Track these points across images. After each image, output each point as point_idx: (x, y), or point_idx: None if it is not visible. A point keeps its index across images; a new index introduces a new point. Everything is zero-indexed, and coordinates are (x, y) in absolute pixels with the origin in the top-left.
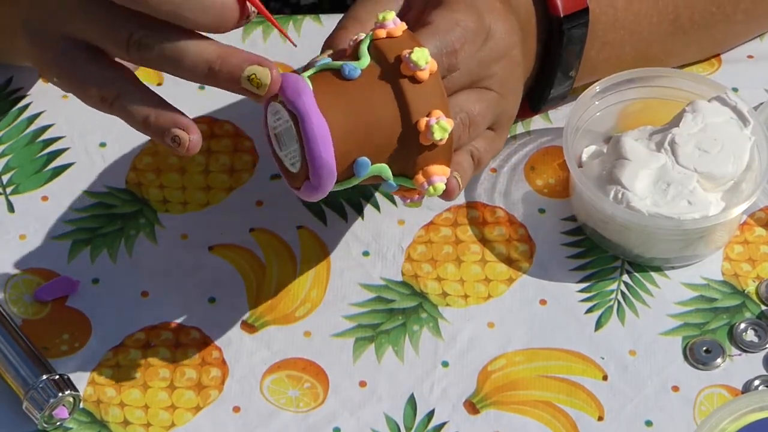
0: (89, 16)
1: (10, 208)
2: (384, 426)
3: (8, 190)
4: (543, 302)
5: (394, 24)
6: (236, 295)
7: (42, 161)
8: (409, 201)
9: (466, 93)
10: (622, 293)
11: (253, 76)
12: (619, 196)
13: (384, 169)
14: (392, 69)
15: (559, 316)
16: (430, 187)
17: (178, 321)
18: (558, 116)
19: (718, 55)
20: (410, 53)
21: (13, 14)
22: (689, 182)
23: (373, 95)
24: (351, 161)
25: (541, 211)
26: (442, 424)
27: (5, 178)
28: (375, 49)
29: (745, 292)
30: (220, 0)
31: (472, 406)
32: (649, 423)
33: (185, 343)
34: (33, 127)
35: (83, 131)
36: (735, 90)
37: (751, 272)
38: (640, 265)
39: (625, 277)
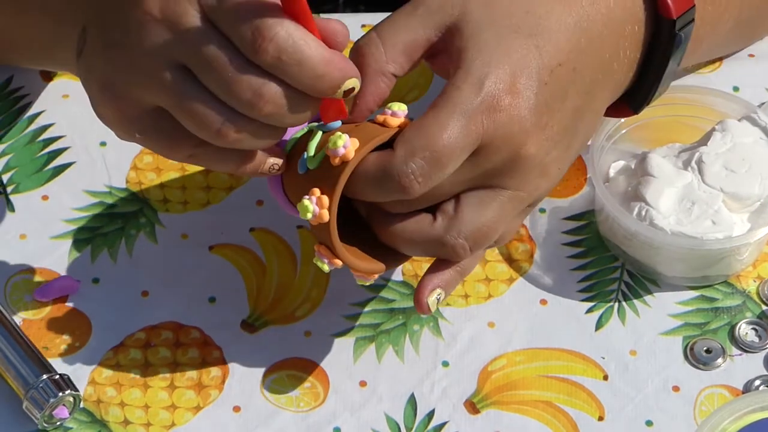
0: (176, 95)
1: (11, 207)
2: (384, 426)
3: (8, 189)
4: (543, 302)
5: (402, 115)
6: (236, 295)
7: (42, 161)
8: (320, 257)
9: (470, 200)
10: (623, 293)
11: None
12: (643, 213)
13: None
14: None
15: (560, 316)
16: (304, 202)
17: (178, 321)
18: None
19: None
20: (334, 138)
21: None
22: (714, 202)
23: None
24: None
25: (542, 211)
26: (443, 424)
27: (5, 177)
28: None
29: (746, 292)
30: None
31: (472, 406)
32: (649, 423)
33: (185, 343)
34: (33, 126)
35: (83, 131)
36: (736, 89)
37: (752, 272)
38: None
39: (626, 277)
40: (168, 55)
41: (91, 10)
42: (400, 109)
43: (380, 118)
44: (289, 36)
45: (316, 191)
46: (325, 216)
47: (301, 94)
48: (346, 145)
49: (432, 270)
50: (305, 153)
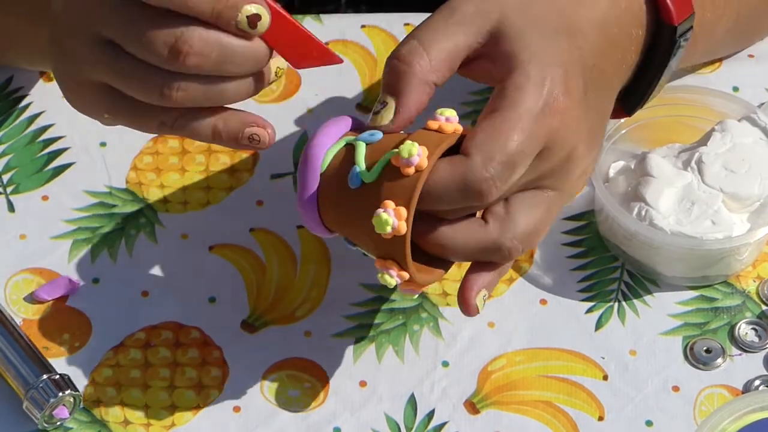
0: (115, 70)
1: (11, 207)
2: (384, 426)
3: (8, 189)
4: (543, 302)
5: (454, 120)
6: (236, 295)
7: (42, 161)
8: (384, 270)
9: (520, 200)
10: (623, 293)
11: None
12: (643, 213)
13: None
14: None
15: (560, 316)
16: (378, 276)
17: (178, 321)
18: None
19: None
20: (401, 149)
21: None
22: (714, 202)
23: (360, 204)
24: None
25: None
26: (443, 424)
27: (5, 177)
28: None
29: (746, 292)
30: (253, 48)
31: (472, 406)
32: (649, 423)
33: (185, 343)
34: (33, 126)
35: (83, 131)
36: (735, 89)
37: (752, 272)
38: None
39: (626, 277)
40: (93, 32)
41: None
42: (452, 114)
43: (434, 124)
44: None
45: (390, 203)
46: (403, 228)
47: (226, 37)
48: (419, 153)
49: (474, 270)
50: (355, 167)
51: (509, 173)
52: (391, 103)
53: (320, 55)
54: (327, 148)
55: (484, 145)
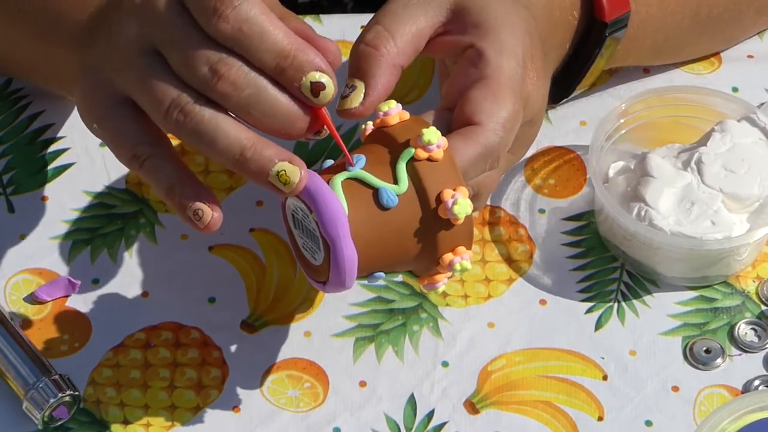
0: (141, 72)
1: (10, 208)
2: (384, 426)
3: (8, 190)
4: (543, 302)
5: (396, 110)
6: (236, 295)
7: (42, 161)
8: (432, 287)
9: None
10: (622, 293)
11: (283, 172)
12: (642, 213)
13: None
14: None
15: (559, 316)
16: (457, 264)
17: (178, 321)
18: (557, 116)
19: (718, 53)
20: (420, 136)
21: (75, 61)
22: (714, 202)
23: (404, 218)
24: (370, 273)
25: (541, 211)
26: (443, 424)
27: (5, 178)
28: (388, 135)
29: (745, 292)
30: (287, 106)
31: (472, 406)
32: (649, 423)
33: (185, 343)
34: (33, 126)
35: (83, 131)
36: (735, 90)
37: (751, 272)
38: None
39: (625, 277)
40: (141, 39)
41: (80, 30)
42: (391, 106)
43: (377, 122)
44: (253, 7)
45: (449, 192)
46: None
47: (266, 82)
48: (441, 141)
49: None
50: (382, 189)
51: (512, 135)
52: (360, 87)
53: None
54: (335, 199)
55: (493, 113)
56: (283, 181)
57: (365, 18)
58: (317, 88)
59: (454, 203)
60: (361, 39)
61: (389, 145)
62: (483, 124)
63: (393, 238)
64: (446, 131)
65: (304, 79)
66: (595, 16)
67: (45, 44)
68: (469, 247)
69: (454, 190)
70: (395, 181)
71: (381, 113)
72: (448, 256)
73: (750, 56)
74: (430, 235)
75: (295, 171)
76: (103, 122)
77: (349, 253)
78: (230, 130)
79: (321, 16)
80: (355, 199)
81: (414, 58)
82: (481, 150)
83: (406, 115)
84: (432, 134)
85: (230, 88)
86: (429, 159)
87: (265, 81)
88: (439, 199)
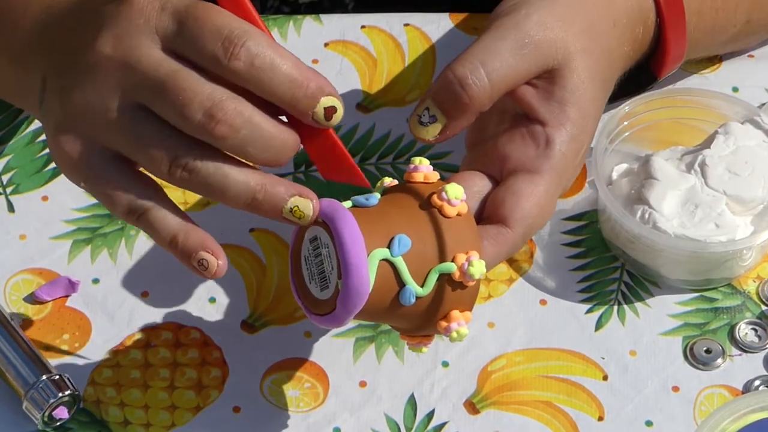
0: (132, 131)
1: (10, 208)
2: (384, 426)
3: (8, 190)
4: (543, 302)
5: (427, 169)
6: (236, 295)
7: (42, 161)
8: (417, 347)
9: None
10: (623, 293)
11: (296, 208)
12: (646, 216)
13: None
14: (428, 205)
15: (559, 316)
16: (454, 332)
17: (178, 321)
18: None
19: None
20: (443, 190)
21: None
22: (718, 205)
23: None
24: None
25: None
26: (443, 424)
27: (5, 178)
28: (410, 188)
29: (746, 292)
30: (281, 138)
31: (472, 406)
32: (649, 423)
33: (185, 343)
34: (33, 127)
35: None
36: (735, 90)
37: (752, 272)
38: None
39: (626, 278)
40: (122, 94)
41: (51, 56)
42: (424, 163)
43: (417, 176)
44: (261, 42)
45: (456, 314)
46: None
47: (261, 119)
48: (461, 196)
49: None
50: (407, 288)
51: (537, 231)
52: (441, 121)
53: (349, 174)
54: (365, 263)
55: (526, 219)
56: (297, 216)
57: (365, 18)
58: (330, 112)
59: (470, 265)
60: (455, 69)
61: (414, 208)
62: (514, 229)
63: (403, 318)
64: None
65: (318, 106)
66: (650, 65)
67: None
68: (471, 312)
69: (466, 254)
70: (422, 284)
71: (423, 167)
72: (442, 323)
73: (750, 56)
74: (435, 299)
75: (307, 205)
76: (93, 182)
77: (362, 286)
78: (237, 177)
79: (321, 16)
80: (380, 279)
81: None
82: (505, 255)
83: (435, 177)
84: (455, 191)
85: (228, 130)
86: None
87: (259, 117)
88: (460, 258)
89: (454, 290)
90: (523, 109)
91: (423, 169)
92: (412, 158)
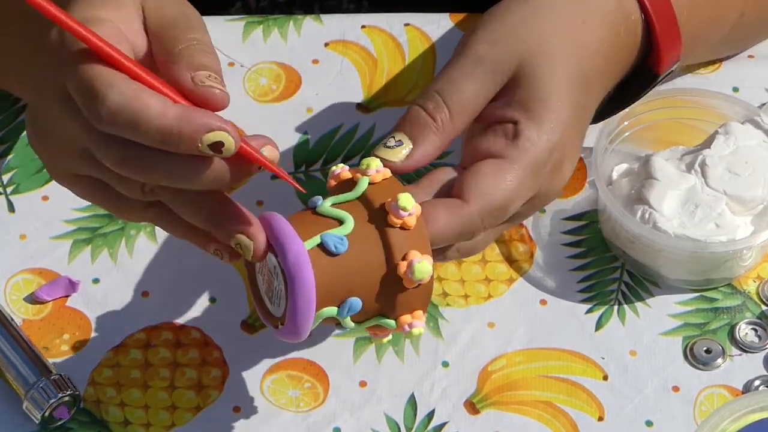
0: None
1: (11, 208)
2: (384, 426)
3: (8, 189)
4: (543, 302)
5: (377, 171)
6: (236, 295)
7: None
8: (379, 337)
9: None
10: (623, 293)
11: (238, 245)
12: (646, 216)
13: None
14: (380, 218)
15: (559, 316)
16: (411, 331)
17: (178, 321)
18: None
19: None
20: (396, 201)
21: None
22: (718, 205)
23: (361, 256)
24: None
25: (541, 211)
26: (443, 424)
27: (5, 178)
28: (363, 197)
29: (746, 292)
30: (211, 170)
31: (472, 406)
32: (649, 423)
33: (185, 343)
34: None
35: None
36: (735, 90)
37: (752, 272)
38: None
39: (626, 278)
40: (70, 140)
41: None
42: (376, 166)
43: (395, 220)
44: (122, 95)
45: (416, 253)
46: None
47: (168, 160)
48: (412, 204)
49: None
50: (329, 235)
51: (500, 219)
52: (407, 145)
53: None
54: (310, 319)
55: (485, 196)
56: (243, 250)
57: (365, 18)
58: (217, 147)
59: (414, 265)
60: (420, 102)
61: (366, 206)
62: (470, 204)
63: (350, 277)
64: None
65: (200, 146)
66: (648, 63)
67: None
68: (425, 312)
69: (421, 254)
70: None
71: (372, 170)
72: (405, 318)
73: (750, 56)
74: (389, 296)
75: (248, 244)
76: (98, 202)
77: (303, 332)
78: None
79: (321, 16)
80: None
81: (467, 125)
82: (457, 228)
83: (388, 174)
84: (407, 201)
85: (146, 176)
86: (401, 227)
87: (171, 158)
88: (402, 261)
89: (401, 294)
90: (496, 120)
91: (371, 173)
92: (363, 160)
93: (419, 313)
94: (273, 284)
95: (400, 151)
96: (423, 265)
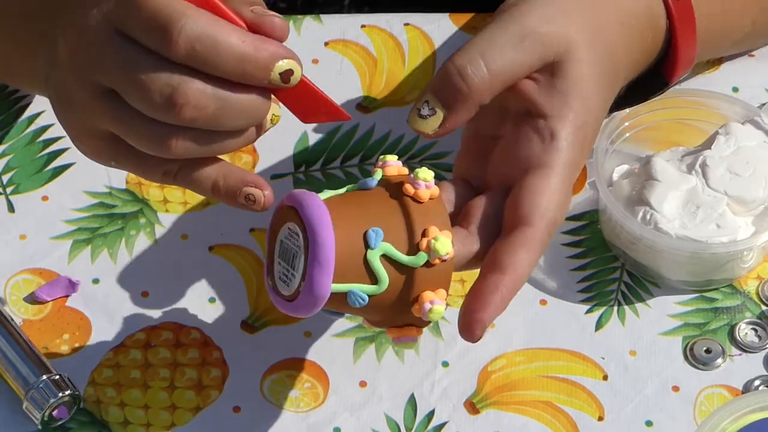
0: (124, 64)
1: (10, 208)
2: (384, 426)
3: (8, 190)
4: (543, 302)
5: (426, 187)
6: (236, 295)
7: (42, 161)
8: (403, 341)
9: None
10: (623, 293)
11: (250, 195)
12: (647, 217)
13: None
14: (398, 190)
15: (559, 316)
16: (429, 311)
17: (178, 321)
18: None
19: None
20: (415, 174)
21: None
22: (719, 205)
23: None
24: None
25: None
26: (443, 424)
27: (5, 178)
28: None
29: (746, 292)
30: (250, 102)
31: (472, 406)
32: (649, 423)
33: (185, 343)
34: (33, 127)
35: None
36: (735, 90)
37: (752, 272)
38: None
39: (626, 278)
40: (94, 82)
41: (44, 46)
42: (426, 179)
43: (410, 189)
44: (198, 24)
45: (428, 294)
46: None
47: (226, 91)
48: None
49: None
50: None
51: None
52: (440, 115)
53: (328, 111)
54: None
55: (546, 214)
56: (251, 202)
57: (365, 18)
58: (287, 76)
59: (436, 242)
60: (455, 61)
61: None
62: (536, 226)
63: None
64: (463, 203)
65: (272, 74)
66: (661, 71)
67: (20, 45)
68: (447, 293)
69: (440, 231)
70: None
71: (422, 184)
72: (427, 295)
73: (751, 55)
74: (407, 276)
75: (259, 194)
76: (117, 159)
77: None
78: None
79: (321, 16)
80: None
81: (499, 93)
82: (538, 251)
83: (436, 192)
84: (426, 173)
85: (194, 112)
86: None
87: (223, 90)
88: (423, 236)
89: (422, 271)
90: (525, 103)
91: (393, 164)
92: (381, 156)
93: (442, 292)
94: (292, 265)
95: (434, 123)
96: (444, 241)
